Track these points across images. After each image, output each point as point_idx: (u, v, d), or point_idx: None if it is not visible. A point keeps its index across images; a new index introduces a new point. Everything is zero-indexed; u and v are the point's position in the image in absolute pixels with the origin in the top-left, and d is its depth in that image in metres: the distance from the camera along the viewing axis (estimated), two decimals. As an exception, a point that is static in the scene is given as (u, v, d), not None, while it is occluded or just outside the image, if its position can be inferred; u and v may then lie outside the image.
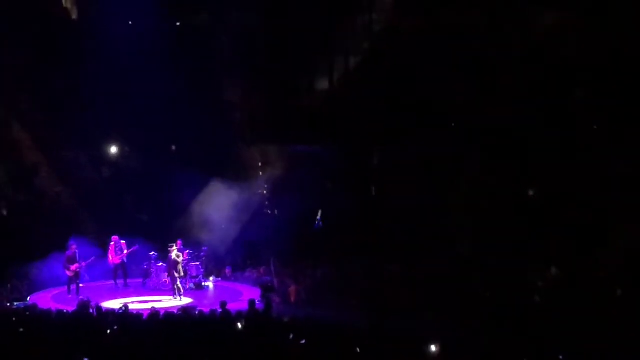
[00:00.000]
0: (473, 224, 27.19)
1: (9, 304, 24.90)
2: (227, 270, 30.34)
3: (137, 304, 24.80)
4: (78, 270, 26.99)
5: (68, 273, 26.93)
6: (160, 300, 26.17)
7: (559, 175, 26.49)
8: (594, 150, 25.80)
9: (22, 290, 27.25)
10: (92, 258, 27.78)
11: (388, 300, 24.32)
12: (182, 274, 27.09)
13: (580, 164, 25.97)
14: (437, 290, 24.23)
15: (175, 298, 26.50)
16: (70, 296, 26.33)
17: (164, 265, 27.86)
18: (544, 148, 27.10)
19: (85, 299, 21.40)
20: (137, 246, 28.68)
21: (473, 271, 25.08)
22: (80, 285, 27.07)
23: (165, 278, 27.86)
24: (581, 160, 25.93)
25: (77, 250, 27.21)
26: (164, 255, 27.74)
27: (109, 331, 16.85)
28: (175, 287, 26.73)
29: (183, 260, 27.53)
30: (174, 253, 26.93)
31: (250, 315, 19.25)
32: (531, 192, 27.86)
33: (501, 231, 26.23)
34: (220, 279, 30.06)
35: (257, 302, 23.52)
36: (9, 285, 27.02)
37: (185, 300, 26.16)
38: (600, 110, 26.57)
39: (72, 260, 26.90)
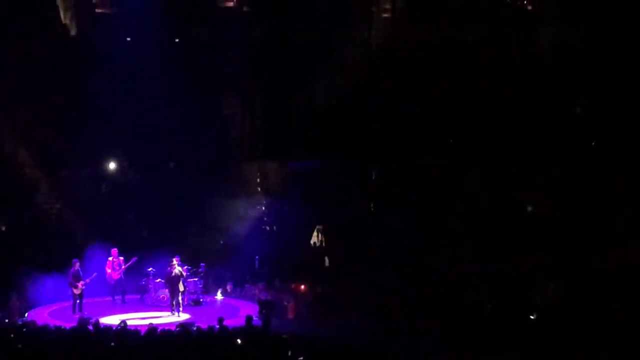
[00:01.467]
0: (472, 239, 27.20)
1: (7, 320, 24.80)
2: (229, 286, 30.24)
3: (135, 320, 24.71)
4: (84, 287, 26.96)
5: (75, 291, 26.80)
6: (158, 317, 26.08)
7: (557, 191, 26.58)
8: (591, 166, 25.88)
9: (21, 306, 27.17)
10: (95, 274, 27.67)
11: (388, 316, 24.25)
12: (182, 289, 27.03)
13: (578, 180, 26.03)
14: (437, 307, 24.17)
15: (174, 314, 26.42)
16: (75, 314, 26.09)
17: (162, 281, 27.79)
18: (543, 163, 27.18)
19: (86, 316, 21.39)
20: (135, 258, 28.55)
21: (473, 286, 25.05)
22: (77, 301, 26.97)
23: (164, 294, 27.78)
24: (580, 176, 25.99)
25: (79, 268, 27.15)
26: (162, 271, 27.65)
27: (107, 348, 16.80)
28: (175, 302, 26.64)
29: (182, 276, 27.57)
30: (177, 268, 26.83)
31: (248, 331, 19.19)
32: (529, 208, 27.93)
33: (500, 246, 26.25)
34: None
35: (255, 318, 23.51)
36: (14, 301, 26.95)
37: (184, 317, 26.08)
38: (598, 126, 26.69)
39: (77, 278, 26.85)
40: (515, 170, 27.67)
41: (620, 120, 26.10)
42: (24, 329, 19.51)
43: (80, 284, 26.82)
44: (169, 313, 26.58)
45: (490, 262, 25.78)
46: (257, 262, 28.90)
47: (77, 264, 27.09)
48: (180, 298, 26.77)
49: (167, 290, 27.30)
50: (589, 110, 27.52)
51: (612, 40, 26.63)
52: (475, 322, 22.79)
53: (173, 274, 26.73)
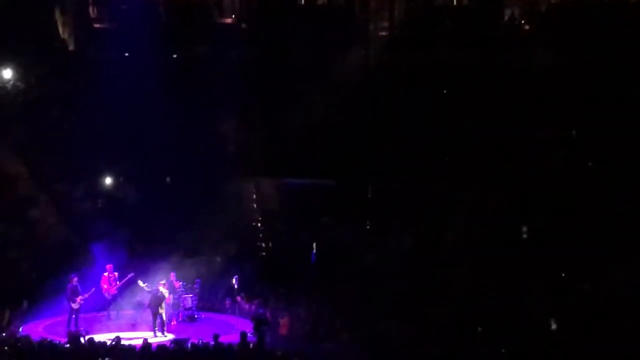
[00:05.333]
0: (468, 260, 27.20)
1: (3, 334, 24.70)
2: (227, 303, 30.02)
3: (130, 336, 24.60)
4: (82, 302, 26.91)
5: (73, 305, 26.78)
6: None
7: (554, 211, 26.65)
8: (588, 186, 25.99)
9: (16, 320, 27.08)
10: (93, 289, 27.63)
11: (380, 335, 24.22)
12: (161, 310, 26.55)
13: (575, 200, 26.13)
14: (433, 325, 24.16)
15: (156, 335, 25.99)
16: (70, 329, 25.97)
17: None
18: (538, 184, 27.28)
19: (75, 331, 21.33)
20: (132, 274, 28.41)
21: (468, 306, 25.04)
22: (73, 316, 26.90)
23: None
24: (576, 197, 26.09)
25: (77, 283, 27.10)
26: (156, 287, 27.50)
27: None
28: (157, 322, 26.32)
29: (177, 292, 27.44)
30: (161, 287, 26.57)
31: (243, 347, 19.20)
32: (525, 229, 27.98)
33: (495, 267, 26.27)
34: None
35: (249, 335, 23.47)
36: (7, 317, 26.89)
37: (162, 338, 25.59)
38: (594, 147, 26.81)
39: (76, 292, 26.82)
40: (512, 190, 27.73)
41: (616, 142, 26.22)
42: (19, 344, 19.52)
43: (78, 299, 26.81)
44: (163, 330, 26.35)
45: (487, 283, 25.77)
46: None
47: (75, 279, 27.10)
48: (158, 320, 26.40)
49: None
50: (584, 132, 27.64)
51: (608, 63, 26.80)
52: (468, 346, 22.80)
53: (155, 293, 26.48)
